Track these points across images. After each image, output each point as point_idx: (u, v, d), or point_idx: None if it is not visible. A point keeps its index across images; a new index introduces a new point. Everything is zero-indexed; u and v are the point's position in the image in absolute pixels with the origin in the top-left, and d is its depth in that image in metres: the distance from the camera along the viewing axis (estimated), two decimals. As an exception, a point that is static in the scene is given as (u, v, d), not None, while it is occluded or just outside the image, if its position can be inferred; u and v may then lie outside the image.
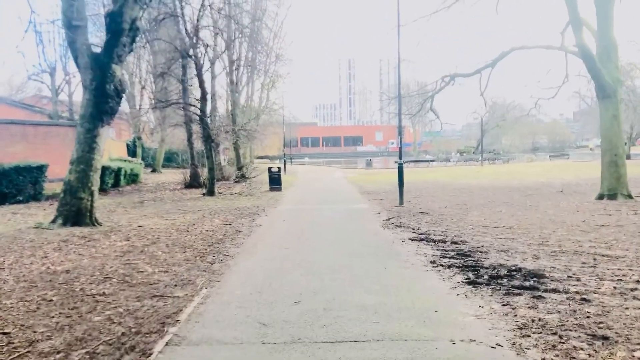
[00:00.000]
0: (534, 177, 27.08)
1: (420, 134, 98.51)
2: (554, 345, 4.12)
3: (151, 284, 6.34)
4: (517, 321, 4.78)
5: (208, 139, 20.73)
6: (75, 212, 11.12)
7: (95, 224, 11.34)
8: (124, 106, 37.49)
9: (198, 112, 20.97)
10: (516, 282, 6.18)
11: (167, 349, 4.20)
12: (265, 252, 8.61)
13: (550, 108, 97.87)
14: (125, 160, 27.32)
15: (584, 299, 5.35)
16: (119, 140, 38.39)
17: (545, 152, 78.34)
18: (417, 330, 4.58)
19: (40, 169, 16.71)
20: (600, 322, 4.62)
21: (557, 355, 3.94)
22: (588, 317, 4.79)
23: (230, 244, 9.38)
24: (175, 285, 6.32)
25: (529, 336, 4.37)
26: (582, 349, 4.04)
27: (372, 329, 4.62)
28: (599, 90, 15.75)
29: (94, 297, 5.74)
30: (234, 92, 32.00)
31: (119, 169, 23.16)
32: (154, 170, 36.33)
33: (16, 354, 4.05)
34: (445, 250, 8.35)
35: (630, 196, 15.33)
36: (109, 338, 4.43)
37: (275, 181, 23.01)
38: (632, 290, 5.63)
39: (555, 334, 4.39)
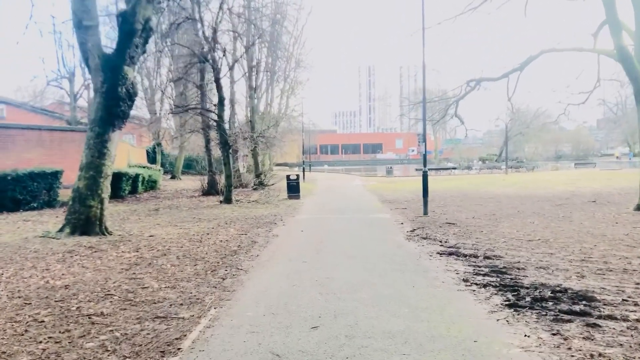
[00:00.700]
0: (562, 185, 25.96)
1: (441, 142, 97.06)
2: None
3: (155, 303, 5.77)
4: (572, 356, 4.09)
5: (225, 145, 20.25)
6: (84, 221, 10.60)
7: (105, 233, 10.81)
8: (144, 112, 37.58)
9: (215, 117, 20.53)
10: (564, 306, 5.45)
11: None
12: (281, 266, 7.99)
13: (574, 115, 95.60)
14: (143, 167, 27.13)
15: (648, 329, 4.60)
16: (138, 146, 38.40)
17: (569, 160, 76.29)
18: (455, 366, 3.90)
19: (55, 175, 16.41)
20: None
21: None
22: (659, 353, 4.05)
23: (244, 256, 8.80)
24: (182, 304, 5.75)
25: (592, 378, 3.66)
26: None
27: (402, 364, 3.95)
28: (638, 93, 14.86)
29: (90, 317, 5.19)
30: (253, 98, 31.62)
31: (137, 176, 22.86)
32: (173, 177, 36.21)
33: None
34: (478, 267, 7.62)
35: (672, 207, 14.29)
36: (98, 370, 3.85)
37: (293, 189, 22.48)
38: None
39: (623, 375, 3.67)
